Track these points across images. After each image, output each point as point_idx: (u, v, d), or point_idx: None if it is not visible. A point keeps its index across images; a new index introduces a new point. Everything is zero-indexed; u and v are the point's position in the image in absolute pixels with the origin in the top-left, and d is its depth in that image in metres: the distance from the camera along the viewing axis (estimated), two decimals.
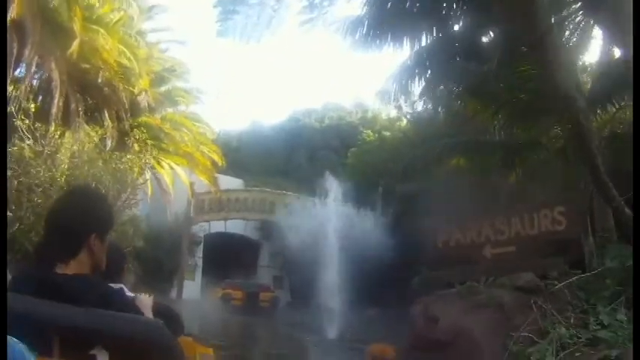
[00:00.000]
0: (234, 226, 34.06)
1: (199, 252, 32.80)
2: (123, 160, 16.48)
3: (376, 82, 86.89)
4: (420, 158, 15.26)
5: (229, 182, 32.26)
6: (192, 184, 28.60)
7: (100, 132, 17.00)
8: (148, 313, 2.67)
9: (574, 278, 9.72)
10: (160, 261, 26.01)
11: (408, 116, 33.20)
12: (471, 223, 12.38)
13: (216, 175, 28.28)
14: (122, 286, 2.94)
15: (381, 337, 20.94)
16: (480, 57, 13.51)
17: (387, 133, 35.72)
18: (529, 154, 13.86)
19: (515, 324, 9.05)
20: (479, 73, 13.31)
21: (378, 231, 26.98)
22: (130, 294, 2.81)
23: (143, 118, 21.50)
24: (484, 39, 14.61)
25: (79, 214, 2.25)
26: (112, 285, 2.38)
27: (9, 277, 2.28)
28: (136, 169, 17.11)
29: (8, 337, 1.55)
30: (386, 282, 25.49)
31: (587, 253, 10.57)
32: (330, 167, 33.64)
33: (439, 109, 25.99)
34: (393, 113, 39.52)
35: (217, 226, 33.19)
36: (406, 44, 14.62)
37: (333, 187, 30.02)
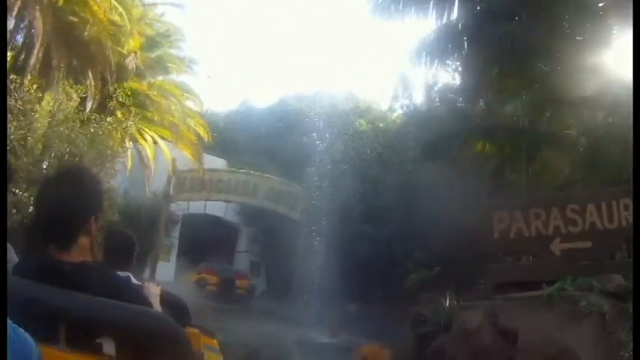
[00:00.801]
0: (214, 208, 32.80)
1: (176, 232, 31.40)
2: (102, 123, 15.10)
3: (372, 74, 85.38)
4: (445, 139, 13.59)
5: (213, 162, 30.79)
6: (174, 160, 27.11)
7: (80, 90, 15.49)
8: (156, 302, 2.81)
9: None
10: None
11: (405, 108, 31.88)
12: (538, 210, 10.00)
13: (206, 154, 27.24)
14: (129, 274, 3.07)
15: (364, 335, 20.00)
16: (520, 31, 12.31)
17: (381, 125, 34.46)
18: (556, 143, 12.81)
19: (621, 340, 7.13)
20: (520, 51, 12.05)
21: (367, 221, 25.63)
22: (136, 282, 2.88)
23: (129, 83, 19.85)
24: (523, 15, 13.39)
25: (79, 195, 2.21)
26: (119, 273, 2.54)
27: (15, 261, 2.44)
28: (116, 136, 15.77)
29: (11, 324, 1.39)
30: (371, 276, 24.10)
31: None
32: (318, 154, 32.14)
33: (436, 100, 24.95)
34: (385, 106, 38.43)
35: (196, 207, 32.02)
36: (432, 14, 13.41)
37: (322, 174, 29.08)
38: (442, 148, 13.37)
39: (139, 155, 22.80)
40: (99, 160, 14.94)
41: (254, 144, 38.57)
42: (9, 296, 1.46)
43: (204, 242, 31.09)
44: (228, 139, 38.48)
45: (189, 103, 24.32)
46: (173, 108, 21.48)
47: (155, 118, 21.35)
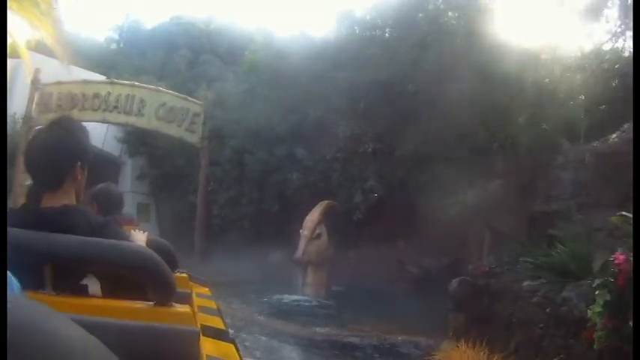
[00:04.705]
0: (90, 134, 25.42)
1: None
2: None
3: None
4: None
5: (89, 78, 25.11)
6: (37, 71, 21.86)
7: None
8: None
9: None
10: None
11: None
12: None
13: (72, 66, 21.33)
14: (112, 218, 2.95)
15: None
16: None
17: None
18: None
19: None
20: None
21: (296, 143, 19.93)
22: (118, 227, 2.65)
23: None
24: None
25: (65, 142, 2.32)
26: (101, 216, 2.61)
27: None
28: None
29: None
30: (301, 213, 18.21)
31: None
32: (215, 74, 27.38)
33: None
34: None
35: None
36: None
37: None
38: None
39: None
40: None
41: (140, 63, 33.34)
42: None
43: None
44: (111, 58, 34.38)
45: None
46: None
47: None
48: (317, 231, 16.93)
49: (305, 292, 16.47)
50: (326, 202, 17.61)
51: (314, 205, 17.58)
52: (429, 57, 15.14)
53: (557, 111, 12.59)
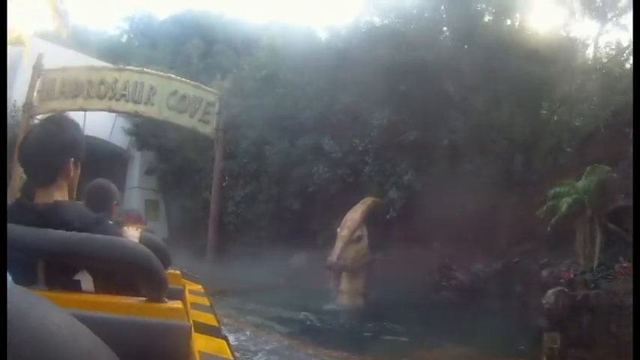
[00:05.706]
0: (95, 125, 23.95)
1: None
2: None
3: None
4: None
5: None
6: (40, 56, 20.74)
7: None
8: None
9: None
10: None
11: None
12: None
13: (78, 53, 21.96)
14: (105, 214, 2.67)
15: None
16: None
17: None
18: None
19: None
20: None
21: (322, 133, 18.18)
22: (111, 222, 2.53)
23: None
24: None
25: (57, 138, 2.20)
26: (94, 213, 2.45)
27: None
28: None
29: None
30: (328, 211, 16.71)
31: None
32: (230, 65, 25.69)
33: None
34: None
35: None
36: None
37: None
38: None
39: None
40: None
41: (152, 53, 32.03)
42: None
43: (83, 175, 22.73)
44: (123, 48, 33.78)
45: None
46: None
47: None
48: (357, 232, 14.46)
49: (339, 302, 14.11)
50: (371, 199, 15.38)
51: (341, 202, 15.50)
52: (471, 46, 14.26)
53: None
